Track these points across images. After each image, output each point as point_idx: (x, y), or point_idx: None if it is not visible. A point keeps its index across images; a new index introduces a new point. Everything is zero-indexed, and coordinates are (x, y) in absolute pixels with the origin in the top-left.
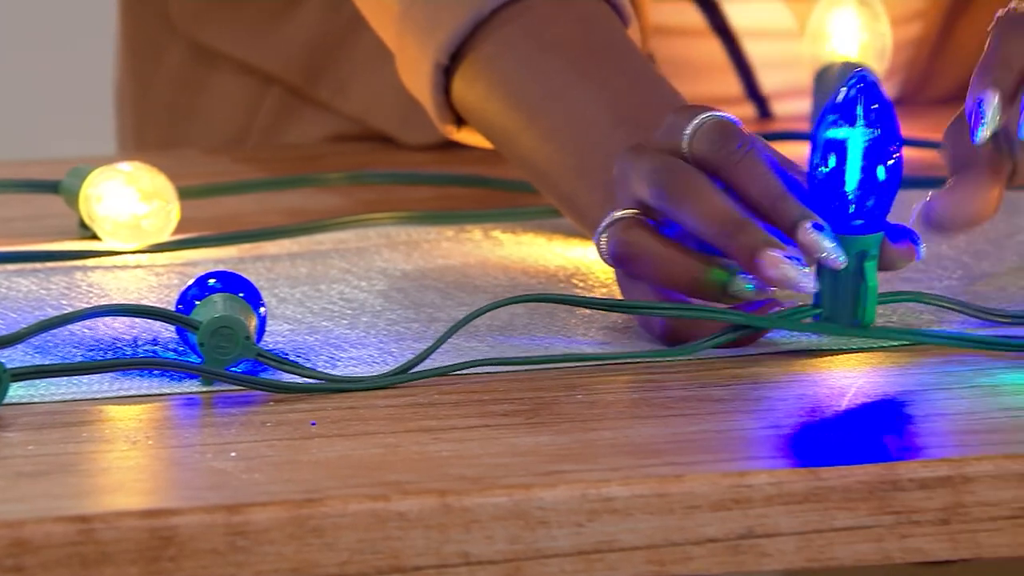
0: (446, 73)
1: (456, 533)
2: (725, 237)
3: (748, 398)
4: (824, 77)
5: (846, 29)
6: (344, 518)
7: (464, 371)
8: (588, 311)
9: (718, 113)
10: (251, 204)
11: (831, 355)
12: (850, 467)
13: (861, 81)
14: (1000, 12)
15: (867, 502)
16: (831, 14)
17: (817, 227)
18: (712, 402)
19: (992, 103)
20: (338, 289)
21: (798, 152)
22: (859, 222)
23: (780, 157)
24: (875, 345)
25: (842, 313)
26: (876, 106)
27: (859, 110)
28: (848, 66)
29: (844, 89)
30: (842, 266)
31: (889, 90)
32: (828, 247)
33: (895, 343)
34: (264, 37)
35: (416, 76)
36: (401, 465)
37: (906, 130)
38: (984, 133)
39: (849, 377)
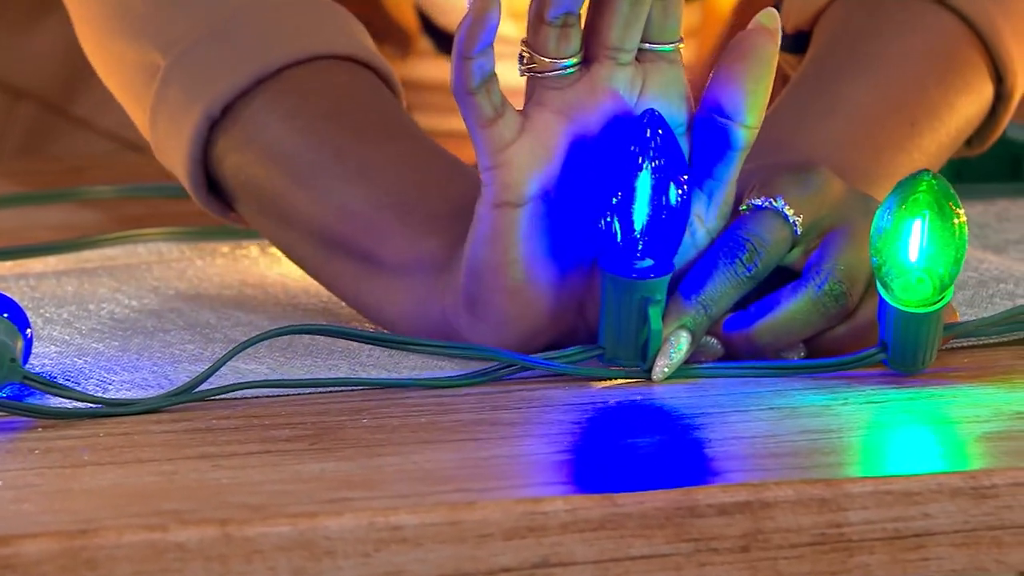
0: (205, 148)
1: (237, 564)
2: None
3: (540, 422)
4: None
5: None
6: (119, 549)
7: (244, 394)
8: (373, 330)
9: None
10: (13, 220)
11: (625, 377)
12: (646, 492)
13: (649, 119)
14: (743, 205)
15: (664, 529)
16: None
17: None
18: (504, 426)
19: (684, 346)
20: (108, 309)
21: None
22: (648, 263)
23: None
24: None
25: (625, 354)
26: (665, 145)
27: (649, 151)
28: None
29: (635, 129)
30: None
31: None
32: None
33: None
34: (8, 51)
35: (176, 132)
36: (179, 493)
37: None
38: (665, 371)
39: (644, 399)
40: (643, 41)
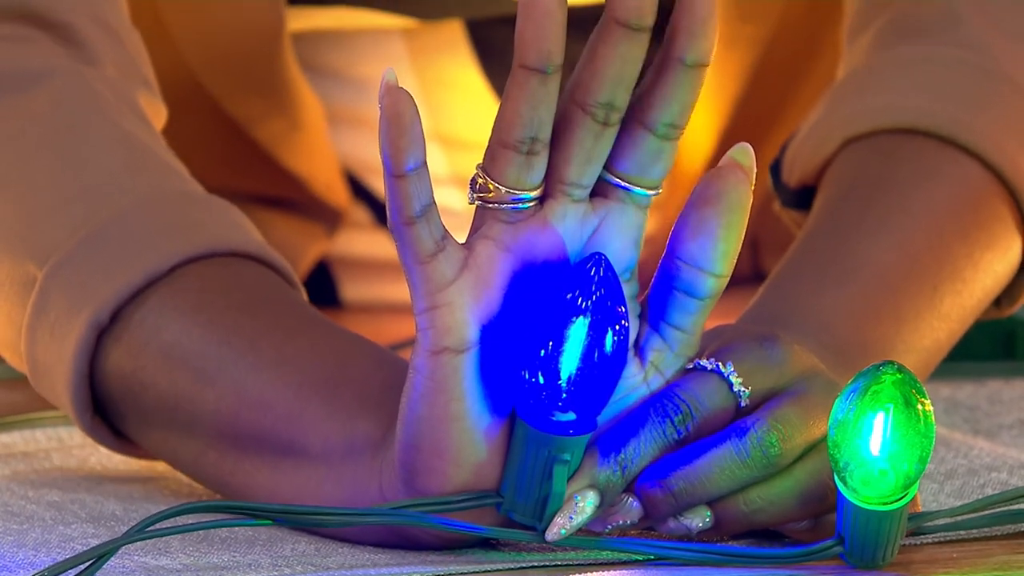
0: (92, 363)
1: None
2: None
3: None
4: None
5: None
6: None
7: None
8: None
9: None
10: None
11: (520, 539)
12: None
13: (594, 263)
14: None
15: None
16: None
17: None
18: None
19: (590, 508)
20: (2, 500)
21: None
22: (570, 416)
23: None
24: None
25: (523, 509)
26: (606, 294)
27: (588, 298)
28: None
29: (576, 272)
30: None
31: None
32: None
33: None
34: None
35: (58, 347)
36: None
37: None
38: (563, 533)
39: None
40: (619, 178)
